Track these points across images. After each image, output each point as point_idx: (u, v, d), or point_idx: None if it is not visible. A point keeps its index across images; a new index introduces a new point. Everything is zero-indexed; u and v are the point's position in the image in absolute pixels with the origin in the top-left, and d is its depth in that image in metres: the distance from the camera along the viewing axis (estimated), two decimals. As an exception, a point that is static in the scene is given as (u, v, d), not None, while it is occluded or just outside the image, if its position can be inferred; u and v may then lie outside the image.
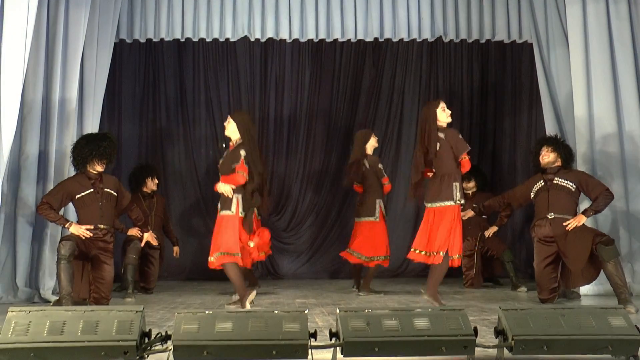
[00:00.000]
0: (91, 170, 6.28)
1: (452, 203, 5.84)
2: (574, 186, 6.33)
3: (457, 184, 5.86)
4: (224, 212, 6.01)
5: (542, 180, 6.48)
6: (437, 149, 5.92)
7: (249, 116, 6.52)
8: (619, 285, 5.88)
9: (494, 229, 8.21)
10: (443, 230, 5.81)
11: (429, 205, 5.94)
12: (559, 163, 6.46)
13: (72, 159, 6.38)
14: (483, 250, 8.27)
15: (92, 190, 6.24)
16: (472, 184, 8.53)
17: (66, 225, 6.14)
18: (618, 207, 7.03)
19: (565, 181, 6.35)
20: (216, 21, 8.49)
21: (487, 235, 8.17)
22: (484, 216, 8.25)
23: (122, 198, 6.47)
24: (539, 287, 6.41)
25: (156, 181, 8.16)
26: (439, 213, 5.86)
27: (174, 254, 8.34)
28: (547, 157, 6.45)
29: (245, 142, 6.05)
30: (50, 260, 6.92)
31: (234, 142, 6.16)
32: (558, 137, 6.79)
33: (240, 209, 5.99)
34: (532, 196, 6.55)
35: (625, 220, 7.05)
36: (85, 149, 6.24)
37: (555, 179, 6.38)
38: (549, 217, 6.33)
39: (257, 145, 6.24)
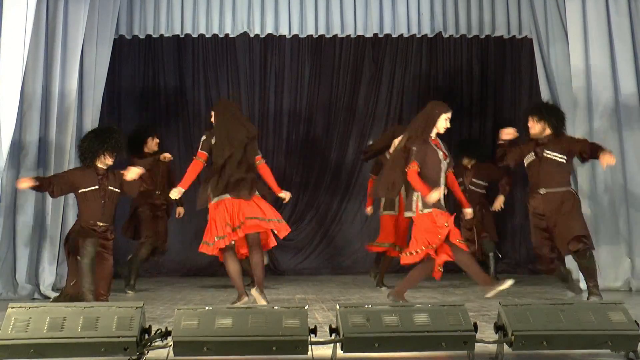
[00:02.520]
0: (100, 165, 6.11)
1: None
2: (565, 158, 6.15)
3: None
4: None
5: (533, 153, 6.27)
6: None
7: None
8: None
9: (501, 199, 8.02)
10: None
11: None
12: (548, 131, 6.22)
13: (79, 154, 6.22)
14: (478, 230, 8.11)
15: (97, 187, 6.07)
16: (466, 160, 8.29)
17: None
18: (618, 201, 7.03)
19: (555, 154, 6.15)
20: (215, 17, 8.48)
21: (497, 209, 8.02)
22: (483, 190, 8.10)
23: (126, 186, 6.26)
24: (538, 258, 6.33)
25: (157, 140, 7.84)
26: None
27: (177, 215, 8.06)
28: (534, 128, 6.24)
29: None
30: (51, 257, 6.93)
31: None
32: (545, 103, 6.54)
33: (211, 196, 5.95)
34: (526, 166, 6.37)
35: (625, 215, 7.04)
36: (96, 142, 6.09)
37: (546, 151, 6.17)
38: (541, 192, 6.17)
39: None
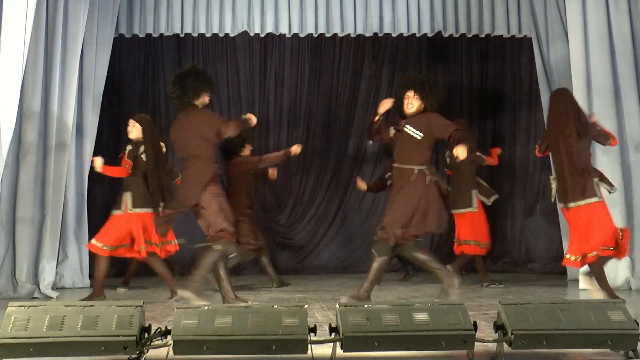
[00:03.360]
0: (200, 104, 5.78)
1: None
2: (421, 135, 5.83)
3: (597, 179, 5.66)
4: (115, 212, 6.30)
5: (394, 126, 5.98)
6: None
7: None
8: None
9: None
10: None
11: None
12: (422, 110, 5.93)
13: (179, 93, 5.74)
14: None
15: None
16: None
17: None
18: (617, 200, 7.01)
19: (414, 130, 5.85)
20: (215, 16, 8.49)
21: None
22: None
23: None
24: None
25: (251, 148, 7.67)
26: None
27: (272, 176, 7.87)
28: (412, 106, 5.93)
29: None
30: (51, 256, 6.92)
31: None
32: (426, 78, 6.17)
33: (130, 206, 6.20)
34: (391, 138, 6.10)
35: (625, 213, 7.04)
36: (200, 78, 5.74)
37: (407, 127, 5.89)
38: (394, 165, 6.03)
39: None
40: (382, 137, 6.15)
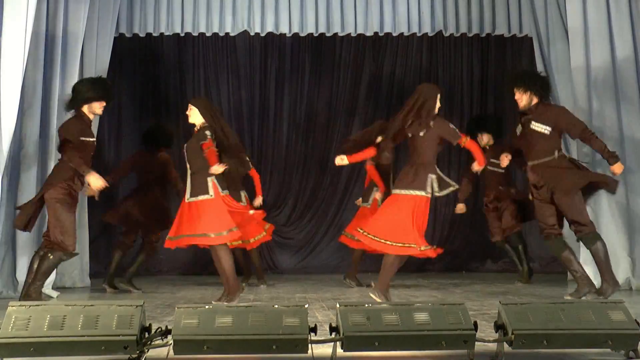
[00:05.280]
0: None
1: (423, 193, 5.67)
2: (549, 129, 6.01)
3: (434, 176, 5.69)
4: (202, 197, 5.78)
5: (520, 125, 6.17)
6: (422, 134, 5.79)
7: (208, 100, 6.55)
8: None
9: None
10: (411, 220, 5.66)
11: (399, 192, 5.77)
12: (535, 100, 6.07)
13: None
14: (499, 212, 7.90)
15: None
16: (486, 137, 7.95)
17: None
18: (618, 200, 7.02)
19: (541, 125, 6.02)
20: (216, 15, 8.49)
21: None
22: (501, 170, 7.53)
23: None
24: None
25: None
26: (407, 201, 5.69)
27: None
28: (521, 100, 6.08)
29: (209, 123, 5.88)
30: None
31: (199, 127, 5.93)
32: (527, 72, 6.43)
33: (220, 190, 5.81)
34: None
35: (626, 214, 7.03)
36: None
37: (532, 123, 6.04)
38: (530, 164, 6.12)
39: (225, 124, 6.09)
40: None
